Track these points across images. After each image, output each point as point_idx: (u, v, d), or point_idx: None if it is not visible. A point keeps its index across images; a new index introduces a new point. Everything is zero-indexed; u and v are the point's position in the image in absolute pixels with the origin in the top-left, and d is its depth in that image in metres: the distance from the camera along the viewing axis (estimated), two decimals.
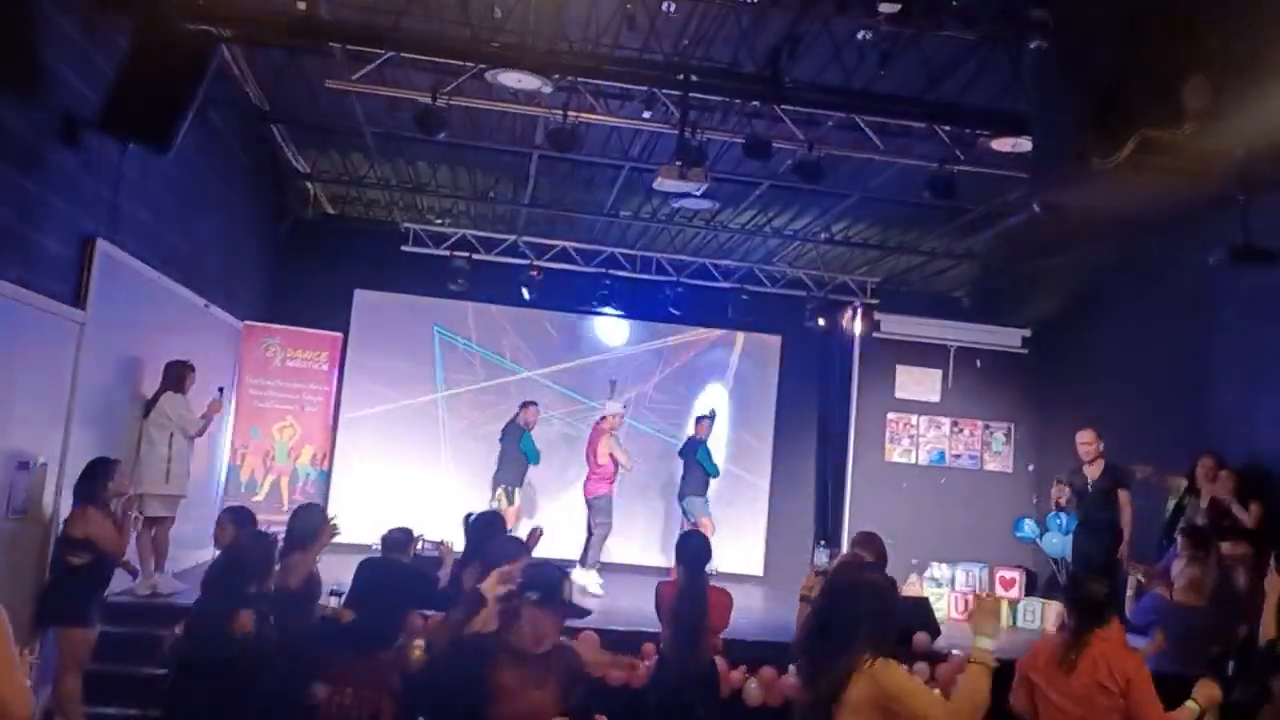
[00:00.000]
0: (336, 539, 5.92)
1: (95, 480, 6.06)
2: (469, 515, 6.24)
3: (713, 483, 10.81)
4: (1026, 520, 10.97)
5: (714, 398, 12.71)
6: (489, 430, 11.99)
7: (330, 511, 6.16)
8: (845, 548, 8.93)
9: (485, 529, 6.02)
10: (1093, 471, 8.39)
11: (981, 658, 2.90)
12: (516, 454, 10.36)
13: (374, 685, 5.79)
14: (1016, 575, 10.59)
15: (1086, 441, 8.43)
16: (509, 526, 8.00)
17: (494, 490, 10.25)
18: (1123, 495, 8.24)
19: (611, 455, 10.04)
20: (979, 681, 2.84)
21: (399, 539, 6.25)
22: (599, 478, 10.07)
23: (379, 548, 6.23)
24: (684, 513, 10.60)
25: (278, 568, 5.52)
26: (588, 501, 10.10)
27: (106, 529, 5.95)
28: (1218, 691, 4.14)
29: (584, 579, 9.41)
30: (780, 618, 9.65)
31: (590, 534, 9.98)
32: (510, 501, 10.09)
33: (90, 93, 6.24)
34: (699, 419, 11.11)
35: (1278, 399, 7.85)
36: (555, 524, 11.50)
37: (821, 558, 5.73)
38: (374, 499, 10.98)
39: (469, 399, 12.40)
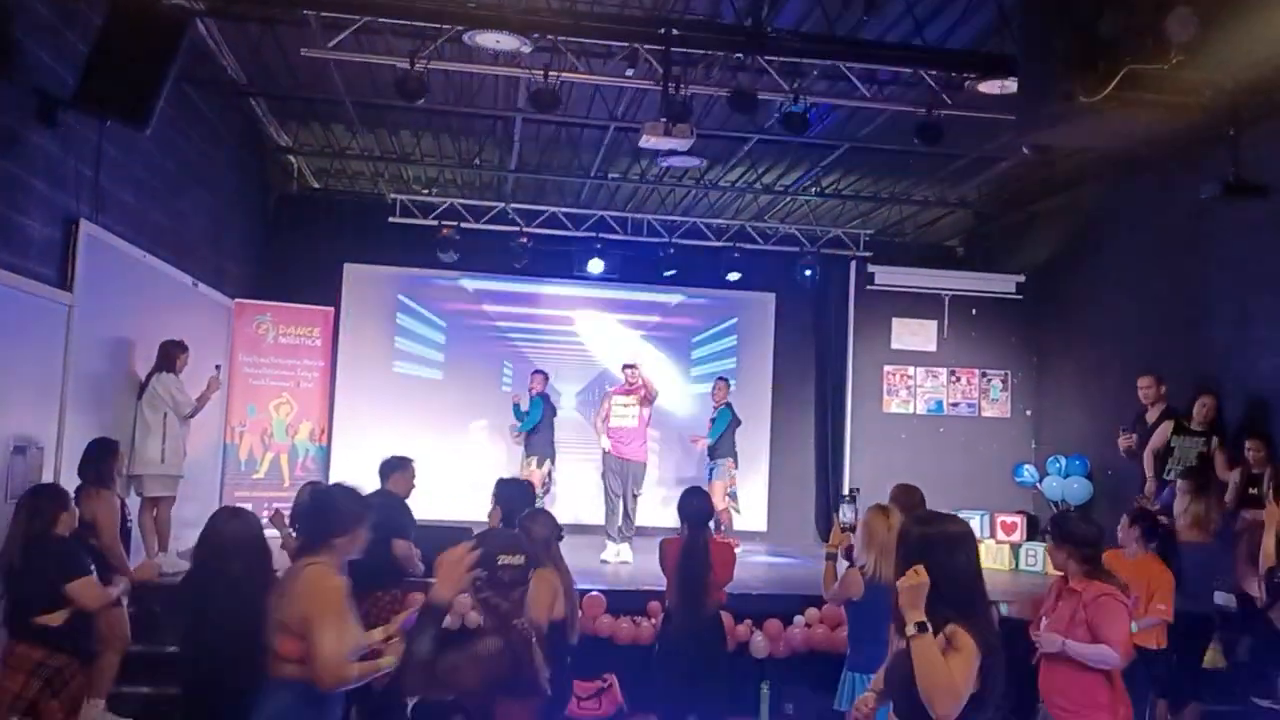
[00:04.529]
0: None
1: (102, 460, 5.96)
2: (500, 480, 6.27)
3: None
4: (1026, 465, 11.00)
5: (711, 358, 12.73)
6: (489, 400, 12.01)
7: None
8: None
9: (514, 494, 6.02)
10: (1152, 416, 8.41)
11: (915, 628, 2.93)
12: (544, 425, 10.40)
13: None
14: (1017, 520, 10.62)
15: (1146, 385, 8.46)
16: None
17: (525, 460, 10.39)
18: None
19: (608, 417, 9.86)
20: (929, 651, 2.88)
21: (393, 464, 6.69)
22: None
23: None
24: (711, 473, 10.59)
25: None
26: None
27: (110, 518, 5.82)
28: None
29: (617, 551, 9.51)
30: (783, 572, 9.72)
31: None
32: (539, 466, 10.21)
33: (66, 72, 6.16)
34: (718, 379, 11.10)
35: (1274, 332, 7.84)
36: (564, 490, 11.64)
37: (848, 514, 5.70)
38: (375, 472, 10.97)
39: (466, 368, 12.36)
